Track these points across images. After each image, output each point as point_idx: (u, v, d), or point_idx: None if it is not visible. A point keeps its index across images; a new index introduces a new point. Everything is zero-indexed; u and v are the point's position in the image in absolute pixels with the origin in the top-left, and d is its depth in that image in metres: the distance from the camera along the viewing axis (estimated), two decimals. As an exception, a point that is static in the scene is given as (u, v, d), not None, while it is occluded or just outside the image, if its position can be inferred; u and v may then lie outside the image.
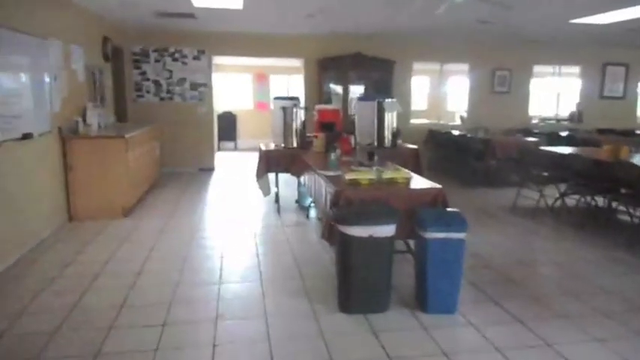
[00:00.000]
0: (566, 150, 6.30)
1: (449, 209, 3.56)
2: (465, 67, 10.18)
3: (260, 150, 6.22)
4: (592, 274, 4.12)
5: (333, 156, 4.55)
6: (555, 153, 6.18)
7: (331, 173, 4.20)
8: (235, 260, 4.46)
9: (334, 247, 3.66)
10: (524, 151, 6.61)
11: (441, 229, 3.29)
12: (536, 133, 9.24)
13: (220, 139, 12.63)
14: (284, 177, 6.31)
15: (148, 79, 9.02)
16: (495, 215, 6.09)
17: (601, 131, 9.61)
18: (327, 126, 6.27)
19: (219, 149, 11.96)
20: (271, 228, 5.54)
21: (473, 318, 3.32)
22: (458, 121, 10.64)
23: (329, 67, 9.39)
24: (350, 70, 9.50)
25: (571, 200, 6.03)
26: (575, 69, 10.60)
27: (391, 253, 3.38)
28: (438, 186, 3.73)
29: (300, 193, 6.63)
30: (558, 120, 10.76)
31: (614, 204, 5.49)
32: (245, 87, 13.49)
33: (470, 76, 10.15)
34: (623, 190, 5.24)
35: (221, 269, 4.21)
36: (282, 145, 6.22)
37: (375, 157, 4.89)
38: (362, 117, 6.58)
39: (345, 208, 3.47)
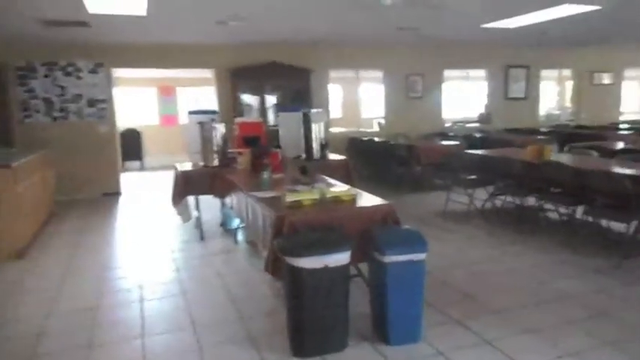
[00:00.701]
0: (493, 153, 6.32)
1: (405, 227, 3.24)
2: (379, 73, 10.14)
3: (175, 171, 5.56)
4: (548, 280, 4.01)
5: (265, 175, 4.08)
6: (482, 156, 6.17)
7: (265, 194, 3.73)
8: (159, 304, 3.82)
9: (281, 282, 3.19)
10: (451, 155, 6.56)
11: (402, 251, 2.94)
12: (452, 137, 9.37)
13: (125, 159, 11.57)
14: (205, 198, 5.69)
15: (36, 97, 7.93)
16: (430, 222, 5.93)
17: (509, 131, 10.01)
18: (250, 140, 5.76)
19: (123, 170, 10.93)
20: (196, 259, 4.91)
21: (440, 345, 3.01)
22: (376, 128, 10.57)
23: (243, 77, 8.88)
24: (266, 80, 9.06)
25: (499, 202, 6.05)
26: (482, 72, 10.99)
27: (347, 283, 2.98)
28: (386, 202, 3.40)
29: (224, 215, 6.04)
30: (469, 122, 11.08)
31: (541, 203, 5.53)
32: (149, 101, 12.53)
33: (385, 82, 10.12)
34: (552, 189, 5.28)
35: (142, 318, 3.55)
36: (201, 163, 5.62)
37: (308, 172, 4.51)
38: (287, 129, 6.18)
39: (291, 236, 3.01)
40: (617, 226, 4.83)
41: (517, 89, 11.07)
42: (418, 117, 10.22)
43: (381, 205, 3.35)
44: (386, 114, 10.25)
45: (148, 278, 4.37)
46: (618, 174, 4.30)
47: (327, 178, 4.39)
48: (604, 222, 5.00)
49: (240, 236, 5.54)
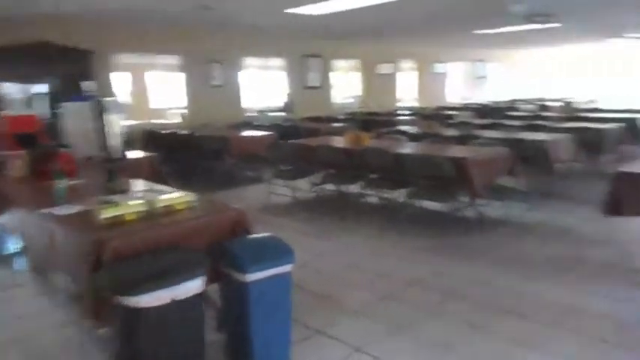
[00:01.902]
0: (313, 142, 6.15)
1: (263, 235, 2.71)
2: (176, 59, 9.22)
3: None
4: (389, 269, 3.93)
5: (60, 184, 3.08)
6: (302, 145, 5.97)
7: (66, 211, 2.79)
8: None
9: (111, 330, 2.37)
10: (269, 145, 6.21)
11: (267, 265, 2.43)
12: (258, 126, 9.07)
13: None
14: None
15: None
16: (256, 219, 5.48)
17: (309, 119, 10.17)
18: (24, 139, 4.47)
19: None
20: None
21: (312, 365, 2.61)
22: (176, 120, 9.65)
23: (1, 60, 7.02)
24: (32, 65, 7.34)
25: (323, 191, 5.95)
26: (281, 61, 10.93)
27: (203, 316, 2.34)
28: (235, 206, 2.83)
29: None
30: (272, 111, 10.95)
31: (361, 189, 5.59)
32: None
33: (184, 69, 9.25)
34: (373, 175, 5.35)
35: None
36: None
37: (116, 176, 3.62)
38: (73, 123, 5.00)
39: (118, 266, 2.22)
40: (435, 206, 5.11)
41: (314, 78, 11.34)
42: (220, 106, 9.65)
43: (228, 211, 2.76)
44: (188, 104, 9.41)
45: None
46: (437, 156, 4.49)
47: (144, 181, 3.58)
48: (425, 203, 5.23)
49: (21, 263, 4.25)
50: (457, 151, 4.83)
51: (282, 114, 10.68)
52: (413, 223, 4.98)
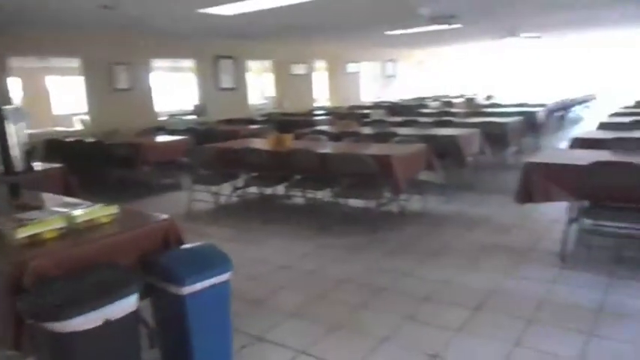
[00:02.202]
0: (235, 145, 6.02)
1: (196, 244, 2.60)
2: (75, 62, 8.62)
3: None
4: (320, 268, 3.95)
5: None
6: (222, 148, 5.82)
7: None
8: None
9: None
10: (187, 150, 5.99)
11: (204, 275, 2.33)
12: (172, 131, 8.74)
13: None
14: None
15: None
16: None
17: (225, 122, 9.98)
18: None
19: None
20: None
21: (256, 375, 2.55)
22: (79, 126, 9.02)
23: None
24: None
25: (247, 195, 5.84)
26: (193, 62, 10.61)
27: (138, 335, 2.20)
28: (164, 216, 2.69)
29: None
30: (185, 114, 10.59)
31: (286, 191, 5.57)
32: None
33: (85, 72, 8.66)
34: (298, 176, 5.34)
35: None
36: None
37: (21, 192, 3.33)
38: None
39: (42, 289, 2.02)
40: (361, 203, 5.21)
41: (227, 80, 11.12)
42: (128, 111, 9.15)
43: (157, 221, 2.62)
44: (89, 109, 8.81)
45: None
46: (362, 154, 4.59)
47: (57, 195, 3.30)
48: (351, 201, 5.31)
49: None
50: (380, 149, 4.96)
51: (195, 117, 10.37)
52: (340, 222, 5.04)
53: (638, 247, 3.88)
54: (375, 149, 4.99)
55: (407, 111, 10.39)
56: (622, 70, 18.56)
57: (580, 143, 4.91)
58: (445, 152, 5.66)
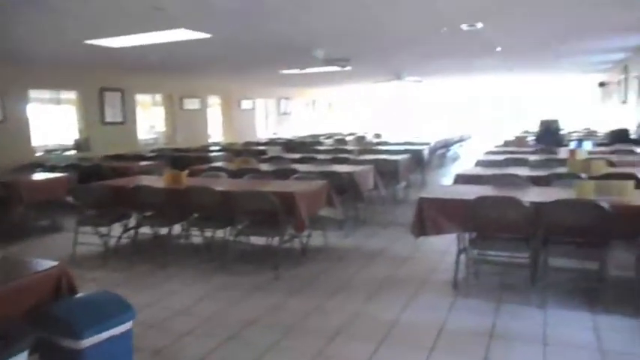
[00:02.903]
0: (127, 182, 5.66)
1: (95, 292, 2.38)
2: None
3: None
4: (223, 310, 3.80)
5: None
6: (112, 187, 5.45)
7: None
8: None
9: None
10: (74, 189, 5.53)
11: (103, 327, 2.13)
12: (52, 167, 8.03)
13: None
14: None
15: None
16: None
17: (111, 157, 9.40)
18: None
19: None
20: None
21: None
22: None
23: None
24: None
25: (140, 235, 5.50)
26: (75, 94, 9.93)
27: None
28: (53, 262, 2.43)
29: None
30: (65, 150, 9.81)
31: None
32: None
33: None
34: (196, 215, 5.17)
35: None
36: None
37: None
38: None
39: None
40: (263, 241, 5.15)
41: (114, 114, 10.55)
42: (1, 146, 8.28)
43: (47, 268, 2.36)
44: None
45: None
46: (265, 192, 4.56)
47: None
48: (253, 239, 5.21)
49: None
50: (282, 186, 4.98)
51: (76, 153, 9.64)
52: (242, 261, 4.94)
53: (520, 274, 4.26)
54: (278, 186, 5.01)
55: (303, 148, 10.61)
56: (491, 112, 20.75)
57: (463, 179, 5.36)
58: (343, 188, 5.84)
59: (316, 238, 5.38)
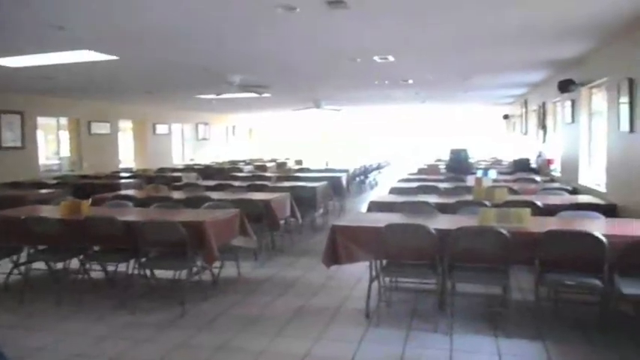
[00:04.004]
0: (18, 213, 5.13)
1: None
2: None
3: None
4: (133, 353, 3.49)
5: None
6: (5, 217, 4.94)
7: None
8: None
9: None
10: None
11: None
12: None
13: None
14: None
15: None
16: None
17: (10, 185, 8.62)
18: None
19: None
20: None
21: None
22: None
23: None
24: None
25: (32, 271, 5.00)
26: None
27: None
28: None
29: None
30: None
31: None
32: None
33: None
34: (96, 248, 4.80)
35: None
36: None
37: None
38: None
39: None
40: (170, 274, 4.86)
41: (11, 137, 9.72)
42: None
43: None
44: None
45: None
46: (172, 221, 4.32)
47: None
48: (159, 272, 4.90)
49: None
50: (192, 215, 4.76)
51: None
52: (147, 297, 4.62)
53: (430, 300, 4.32)
54: (187, 215, 4.78)
55: (220, 174, 10.37)
56: (408, 140, 21.55)
57: (376, 206, 5.43)
58: (259, 216, 5.71)
59: (229, 269, 5.19)
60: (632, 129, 4.74)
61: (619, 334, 3.55)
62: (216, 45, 5.53)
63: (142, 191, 6.86)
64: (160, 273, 4.89)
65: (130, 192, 7.00)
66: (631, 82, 4.74)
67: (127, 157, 13.67)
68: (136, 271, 4.53)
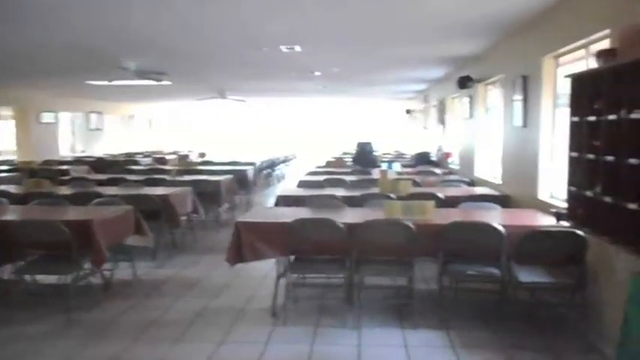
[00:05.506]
0: None
1: None
2: None
3: None
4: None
5: None
6: None
7: None
8: None
9: None
10: None
11: None
12: None
13: None
14: None
15: None
16: None
17: None
18: None
19: None
20: None
21: None
22: None
23: None
24: None
25: None
26: None
27: None
28: None
29: None
30: None
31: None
32: None
33: None
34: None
35: None
36: None
37: None
38: None
39: None
40: (53, 279, 4.34)
41: None
42: None
43: None
44: None
45: None
46: (54, 221, 3.83)
47: None
48: (41, 277, 4.35)
49: None
50: (77, 213, 4.28)
51: None
52: (25, 306, 4.08)
53: (338, 295, 4.25)
54: (72, 213, 4.29)
55: (114, 168, 9.63)
56: (315, 132, 21.62)
57: (284, 200, 5.28)
58: (156, 212, 5.31)
59: (124, 271, 4.75)
60: (525, 124, 5.02)
61: (516, 319, 3.72)
62: (96, 21, 4.90)
63: (21, 186, 6.09)
64: (42, 278, 4.35)
65: (8, 187, 6.19)
66: (525, 80, 5.00)
67: (7, 148, 12.29)
68: (12, 278, 3.98)
